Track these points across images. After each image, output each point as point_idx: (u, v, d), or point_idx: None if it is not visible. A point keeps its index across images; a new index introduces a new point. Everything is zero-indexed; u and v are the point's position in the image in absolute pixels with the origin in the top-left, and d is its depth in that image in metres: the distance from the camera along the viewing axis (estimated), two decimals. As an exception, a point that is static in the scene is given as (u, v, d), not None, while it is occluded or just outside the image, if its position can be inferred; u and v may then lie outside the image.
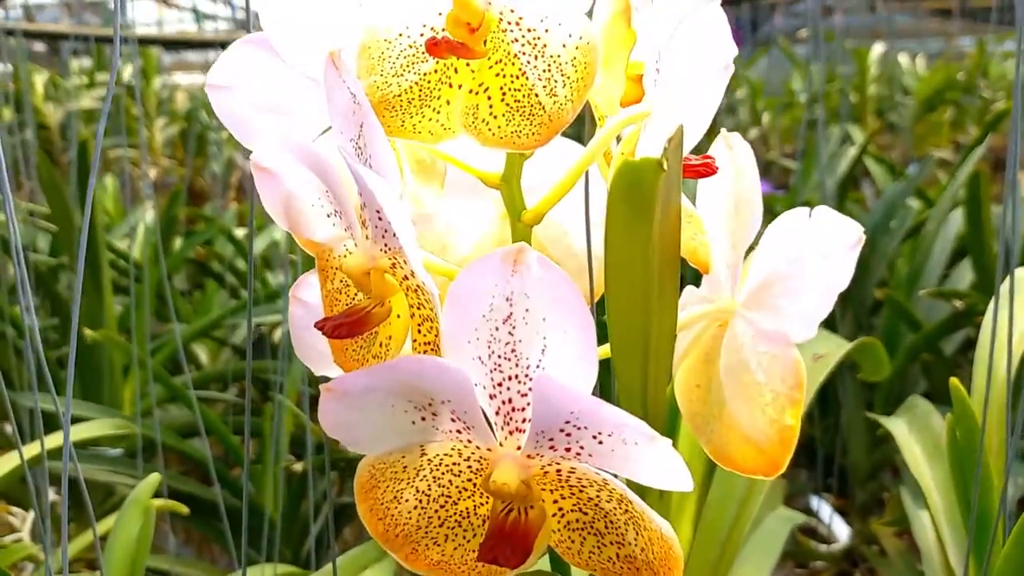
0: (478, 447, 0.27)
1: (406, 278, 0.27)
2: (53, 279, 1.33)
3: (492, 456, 0.27)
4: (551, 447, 0.26)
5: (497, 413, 0.26)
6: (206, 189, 2.95)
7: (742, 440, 0.31)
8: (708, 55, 0.31)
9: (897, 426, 0.56)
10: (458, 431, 0.27)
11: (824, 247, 0.31)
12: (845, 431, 1.16)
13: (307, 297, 0.34)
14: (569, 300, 0.24)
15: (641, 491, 0.27)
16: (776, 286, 0.31)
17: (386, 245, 0.27)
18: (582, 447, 0.25)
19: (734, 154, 0.31)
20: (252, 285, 0.46)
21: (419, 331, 0.28)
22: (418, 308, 0.28)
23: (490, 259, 0.25)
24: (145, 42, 2.51)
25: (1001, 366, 0.47)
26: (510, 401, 0.26)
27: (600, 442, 0.25)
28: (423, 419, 0.27)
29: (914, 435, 0.55)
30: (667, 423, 0.41)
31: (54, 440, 0.82)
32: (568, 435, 0.25)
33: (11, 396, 1.06)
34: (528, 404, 0.26)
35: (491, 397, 0.26)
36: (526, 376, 0.26)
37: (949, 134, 3.00)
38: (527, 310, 0.25)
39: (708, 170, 0.30)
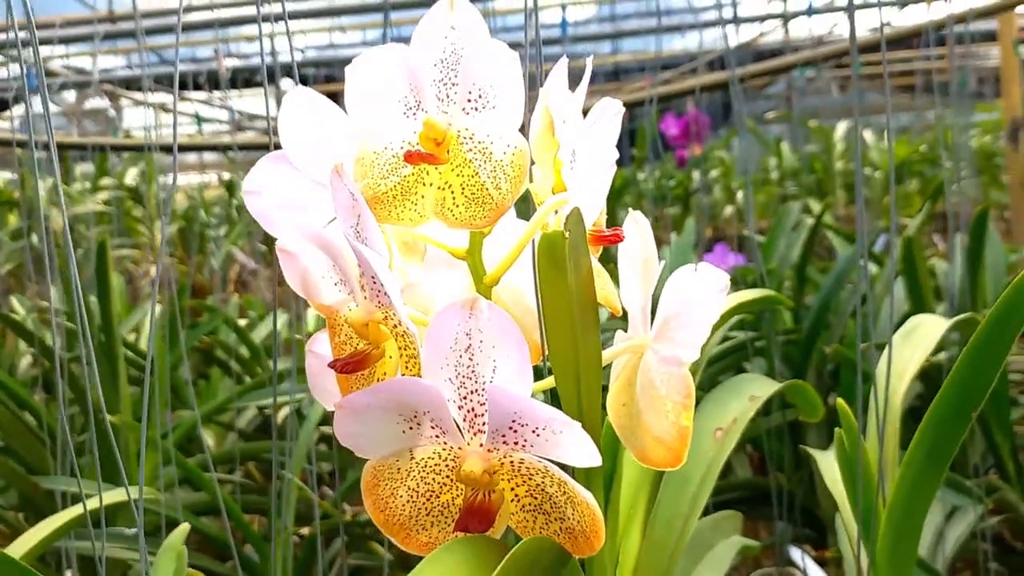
0: (452, 447, 0.37)
1: (395, 326, 0.37)
2: (70, 370, 1.42)
3: (463, 453, 0.36)
4: (504, 441, 0.35)
5: (464, 419, 0.36)
6: (206, 284, 3.06)
7: (654, 441, 0.41)
8: (603, 154, 0.41)
9: (824, 457, 0.65)
10: (436, 435, 0.36)
11: (703, 292, 0.41)
12: (818, 483, 1.24)
13: (319, 350, 0.44)
14: (510, 332, 0.34)
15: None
16: (672, 322, 0.41)
17: (379, 303, 0.37)
18: (525, 439, 0.35)
19: (639, 226, 0.41)
20: (277, 350, 0.55)
21: (406, 366, 0.38)
22: (404, 348, 0.37)
23: (453, 306, 0.35)
24: (187, 149, 2.65)
25: (897, 394, 0.57)
26: (473, 410, 0.36)
27: (537, 434, 0.34)
28: (410, 428, 0.36)
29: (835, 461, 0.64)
30: (612, 446, 0.50)
31: (72, 512, 0.90)
32: (515, 431, 0.35)
33: (36, 479, 1.14)
34: (486, 411, 0.35)
35: (459, 408, 0.36)
36: (483, 390, 0.35)
37: (918, 203, 3.14)
38: (481, 341, 0.35)
39: (617, 238, 0.40)
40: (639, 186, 3.02)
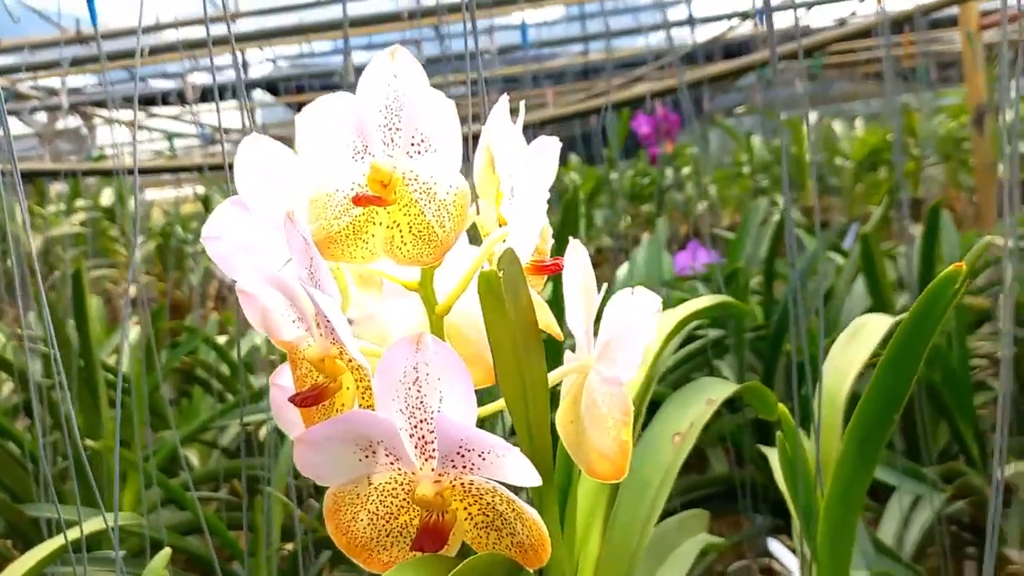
0: (406, 472, 0.39)
1: (349, 361, 0.40)
2: (50, 397, 1.43)
3: (416, 478, 0.39)
4: (453, 466, 0.38)
5: (416, 447, 0.38)
6: (185, 301, 3.07)
7: (598, 456, 0.44)
8: (541, 188, 0.44)
9: (775, 453, 0.68)
10: (391, 462, 0.39)
11: (639, 316, 0.43)
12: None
13: (282, 382, 0.46)
14: (454, 364, 0.37)
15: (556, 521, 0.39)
16: (612, 344, 0.43)
17: (333, 340, 0.40)
18: (473, 463, 0.37)
19: (579, 256, 0.44)
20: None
21: (362, 397, 0.40)
22: (359, 381, 0.40)
23: (401, 342, 0.37)
24: (148, 172, 2.65)
25: (841, 392, 0.60)
26: (423, 437, 0.38)
27: (483, 458, 0.37)
28: (367, 456, 0.39)
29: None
30: (566, 460, 0.53)
31: (56, 542, 0.92)
32: (462, 456, 0.37)
33: (19, 507, 1.15)
34: (435, 438, 0.38)
35: (411, 436, 0.38)
36: (432, 419, 0.38)
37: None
38: (427, 374, 0.37)
39: (557, 268, 0.43)
40: (612, 185, 3.05)
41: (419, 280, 0.45)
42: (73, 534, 0.99)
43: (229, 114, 5.57)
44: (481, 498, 0.39)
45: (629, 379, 0.42)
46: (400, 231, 0.43)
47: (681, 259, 2.42)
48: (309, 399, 0.41)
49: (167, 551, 0.68)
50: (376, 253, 0.43)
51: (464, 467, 0.38)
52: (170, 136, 3.84)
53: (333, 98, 0.43)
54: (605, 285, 0.46)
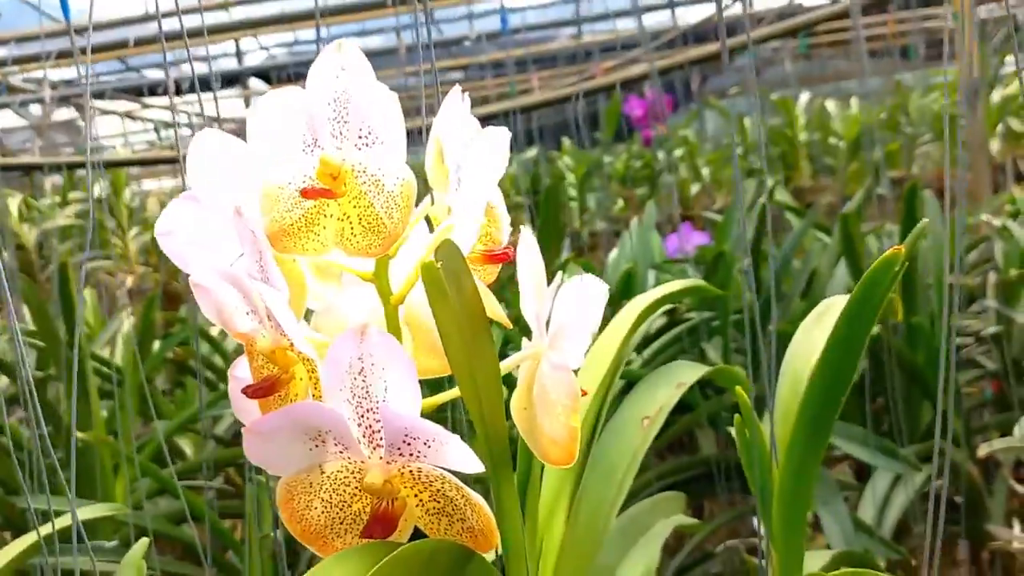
0: (355, 461, 0.40)
1: (299, 353, 0.40)
2: (42, 390, 1.44)
3: (365, 466, 0.39)
4: (400, 454, 0.38)
5: (364, 436, 0.39)
6: (181, 291, 3.08)
7: (549, 441, 0.44)
8: (486, 178, 0.44)
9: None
10: (340, 451, 0.39)
11: (586, 304, 0.44)
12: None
13: (240, 373, 0.47)
14: (397, 354, 0.38)
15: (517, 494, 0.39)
16: (562, 331, 0.44)
17: (281, 333, 0.40)
18: (419, 451, 0.38)
19: (529, 243, 0.45)
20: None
21: (314, 388, 0.41)
22: (310, 372, 0.40)
23: (346, 333, 0.38)
24: (112, 165, 2.65)
25: (803, 374, 0.61)
26: (371, 427, 0.39)
27: (428, 446, 0.38)
28: (316, 446, 0.39)
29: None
30: (527, 448, 0.53)
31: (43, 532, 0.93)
32: (408, 444, 0.38)
33: (11, 500, 1.16)
34: (382, 427, 0.39)
35: (359, 425, 0.39)
36: (378, 408, 0.38)
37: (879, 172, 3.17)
38: (372, 364, 0.38)
39: (507, 257, 0.43)
40: (604, 169, 3.05)
41: (374, 271, 0.46)
42: (61, 523, 1.00)
43: (224, 103, 5.56)
44: (431, 485, 0.40)
45: (576, 366, 0.43)
46: (350, 223, 0.43)
47: (672, 242, 2.42)
48: (261, 390, 0.41)
49: (144, 541, 0.69)
50: (328, 245, 0.43)
51: (411, 455, 0.38)
52: (158, 128, 3.84)
53: (283, 92, 0.43)
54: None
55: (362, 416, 0.39)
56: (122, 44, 2.64)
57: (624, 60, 3.20)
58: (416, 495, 0.40)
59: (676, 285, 0.71)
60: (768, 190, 1.57)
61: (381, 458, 0.39)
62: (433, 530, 0.41)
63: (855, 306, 0.44)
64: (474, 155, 0.43)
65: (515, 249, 0.44)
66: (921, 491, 1.01)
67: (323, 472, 0.41)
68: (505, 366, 0.45)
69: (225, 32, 2.48)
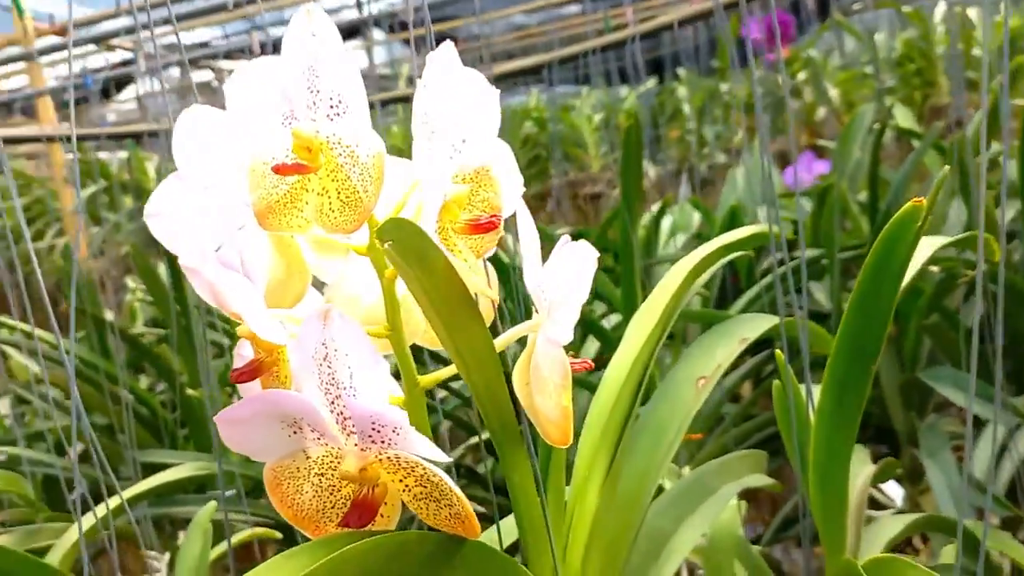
0: (333, 448, 0.38)
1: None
2: (153, 352, 1.52)
3: (342, 453, 0.38)
4: (372, 441, 0.37)
5: (337, 422, 0.38)
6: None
7: (545, 420, 0.42)
8: (457, 134, 0.41)
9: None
10: (317, 438, 0.38)
11: (575, 272, 0.41)
12: (886, 400, 1.21)
13: (245, 352, 0.46)
14: (359, 339, 0.36)
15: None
16: (557, 302, 0.41)
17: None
18: (389, 438, 0.36)
19: (525, 213, 0.42)
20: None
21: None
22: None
23: (310, 318, 0.36)
24: None
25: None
26: (342, 413, 0.37)
27: (397, 433, 0.36)
28: (295, 432, 0.38)
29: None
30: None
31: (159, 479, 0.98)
32: (378, 431, 0.36)
33: (130, 454, 1.23)
34: (351, 414, 0.37)
35: (331, 412, 0.38)
36: (346, 394, 0.37)
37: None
38: (336, 350, 0.36)
39: (492, 226, 0.40)
40: (723, 99, 2.92)
41: (367, 244, 0.44)
42: (178, 474, 1.06)
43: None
44: (413, 471, 0.38)
45: (565, 340, 0.40)
46: (329, 198, 0.41)
47: (792, 173, 2.30)
48: (245, 374, 0.40)
49: (212, 504, 0.71)
50: (310, 221, 0.42)
51: (383, 442, 0.37)
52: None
53: (259, 62, 0.42)
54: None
55: (332, 403, 0.37)
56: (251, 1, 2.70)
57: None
58: (400, 480, 0.39)
59: (737, 234, 0.66)
60: (887, 110, 1.45)
61: (356, 445, 0.38)
62: (424, 515, 0.40)
63: (875, 267, 0.39)
64: (443, 114, 0.40)
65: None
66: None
67: (308, 457, 0.40)
68: (502, 341, 0.43)
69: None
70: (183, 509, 1.22)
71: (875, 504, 1.23)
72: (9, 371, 1.72)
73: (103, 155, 3.90)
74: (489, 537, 0.51)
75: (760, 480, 0.73)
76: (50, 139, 2.34)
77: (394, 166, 0.45)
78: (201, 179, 0.44)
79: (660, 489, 0.86)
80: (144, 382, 1.61)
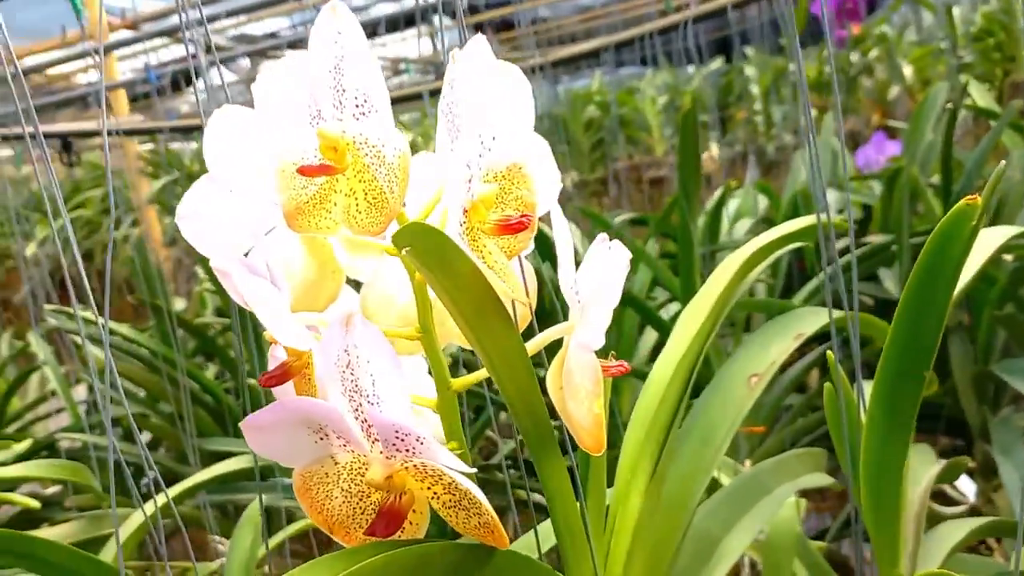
0: (360, 455, 0.38)
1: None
2: (217, 344, 1.54)
3: (368, 459, 0.37)
4: (397, 450, 0.36)
5: (362, 429, 0.37)
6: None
7: (579, 427, 0.40)
8: (488, 126, 0.40)
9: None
10: (343, 444, 0.37)
11: (609, 274, 0.39)
12: (959, 392, 1.16)
13: (278, 353, 0.46)
14: (380, 346, 0.35)
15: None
16: (590, 304, 0.39)
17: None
18: (413, 447, 0.35)
19: (558, 213, 0.40)
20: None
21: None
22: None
23: (333, 324, 0.36)
24: None
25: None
26: (366, 421, 0.36)
27: (421, 442, 0.35)
28: (321, 438, 0.38)
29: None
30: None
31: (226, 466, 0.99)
32: (402, 440, 0.35)
33: (196, 442, 1.26)
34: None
35: (356, 419, 0.37)
36: (369, 402, 0.36)
37: None
38: (358, 356, 0.35)
39: (522, 226, 0.39)
40: (791, 78, 2.84)
41: (397, 244, 0.43)
42: (241, 463, 1.07)
43: (411, 42, 5.67)
44: (440, 479, 0.37)
45: (597, 345, 0.39)
46: (356, 199, 0.40)
47: (864, 154, 2.22)
48: (274, 379, 0.40)
49: (261, 500, 0.71)
50: (338, 223, 0.41)
51: (407, 451, 0.36)
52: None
53: (287, 60, 0.41)
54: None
55: (356, 410, 0.37)
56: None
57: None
58: (429, 488, 0.38)
59: (792, 225, 0.63)
60: (963, 87, 1.39)
61: (381, 452, 0.37)
62: (455, 523, 0.39)
63: (927, 268, 0.37)
64: (470, 110, 0.39)
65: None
66: None
67: (337, 462, 0.39)
68: (534, 344, 0.41)
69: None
70: (246, 496, 1.24)
71: (946, 499, 1.19)
72: (83, 360, 1.78)
73: (175, 146, 3.99)
74: (528, 543, 0.50)
75: (819, 480, 0.71)
76: (110, 133, 2.39)
77: (425, 165, 0.44)
78: (231, 180, 0.44)
79: (714, 487, 0.85)
80: (211, 371, 1.64)
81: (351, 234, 0.41)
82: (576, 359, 0.39)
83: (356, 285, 0.49)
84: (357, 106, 0.40)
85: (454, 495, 0.38)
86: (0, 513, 1.44)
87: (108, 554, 0.75)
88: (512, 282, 0.39)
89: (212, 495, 1.20)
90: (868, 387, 0.60)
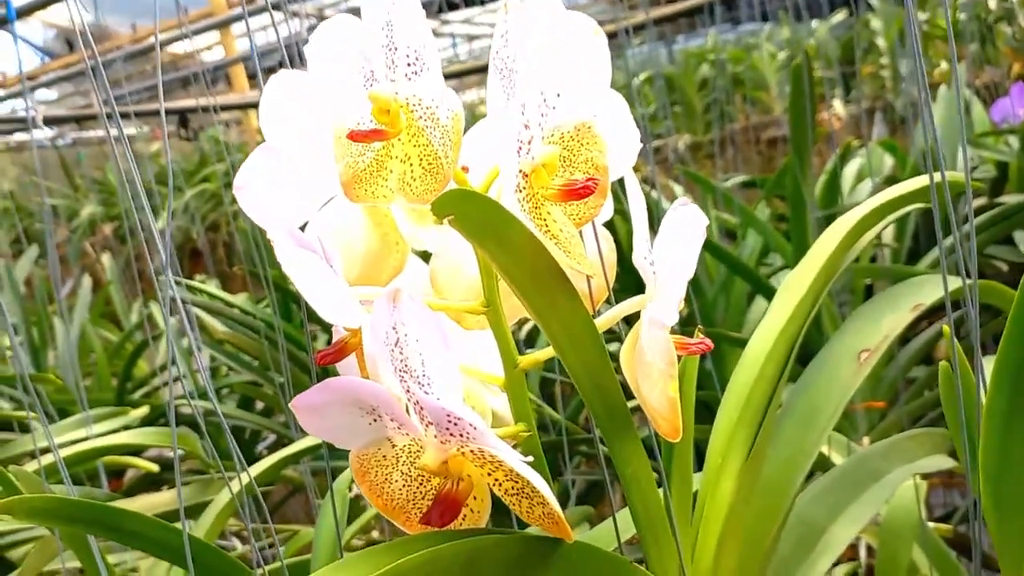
0: (414, 439, 0.35)
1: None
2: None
3: (422, 444, 0.35)
4: (451, 434, 0.33)
5: (415, 411, 0.34)
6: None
7: (653, 410, 0.37)
8: (555, 88, 0.36)
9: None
10: (397, 427, 0.35)
11: (684, 244, 0.35)
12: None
13: (341, 329, 0.44)
14: (428, 322, 0.32)
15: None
16: (665, 277, 0.36)
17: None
18: (467, 432, 0.33)
19: (633, 181, 0.37)
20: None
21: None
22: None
23: (380, 300, 0.33)
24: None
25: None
26: (418, 403, 0.34)
27: (475, 427, 0.32)
28: (374, 420, 0.36)
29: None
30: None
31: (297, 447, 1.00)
32: (456, 424, 0.33)
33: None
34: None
35: (409, 400, 0.34)
36: (419, 384, 0.33)
37: None
38: (406, 334, 0.33)
39: (588, 191, 0.35)
40: (922, 28, 2.65)
41: (460, 212, 0.40)
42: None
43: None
44: (500, 465, 0.34)
45: (671, 321, 0.35)
46: (411, 165, 0.38)
47: (1001, 108, 2.06)
48: (329, 356, 0.38)
49: (347, 473, 0.71)
50: (394, 191, 0.39)
51: (461, 436, 0.33)
52: (457, 41, 3.95)
53: (337, 19, 0.39)
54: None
55: (407, 392, 0.34)
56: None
57: None
58: (489, 474, 0.35)
59: (904, 187, 0.57)
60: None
61: (436, 436, 0.34)
62: (519, 511, 0.36)
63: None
64: (529, 64, 0.35)
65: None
66: None
67: (394, 445, 0.37)
68: (607, 318, 0.38)
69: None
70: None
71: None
72: (203, 328, 1.84)
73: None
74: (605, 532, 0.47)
75: (939, 463, 0.65)
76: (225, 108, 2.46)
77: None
78: (288, 149, 0.42)
79: (825, 465, 0.79)
80: (321, 341, 1.67)
81: (407, 203, 0.39)
82: (648, 336, 0.36)
83: (427, 258, 0.46)
84: (409, 64, 0.37)
85: (516, 482, 0.35)
86: (129, 475, 1.51)
87: (207, 518, 0.76)
88: (578, 253, 0.36)
89: (316, 462, 1.22)
90: (990, 364, 0.54)
